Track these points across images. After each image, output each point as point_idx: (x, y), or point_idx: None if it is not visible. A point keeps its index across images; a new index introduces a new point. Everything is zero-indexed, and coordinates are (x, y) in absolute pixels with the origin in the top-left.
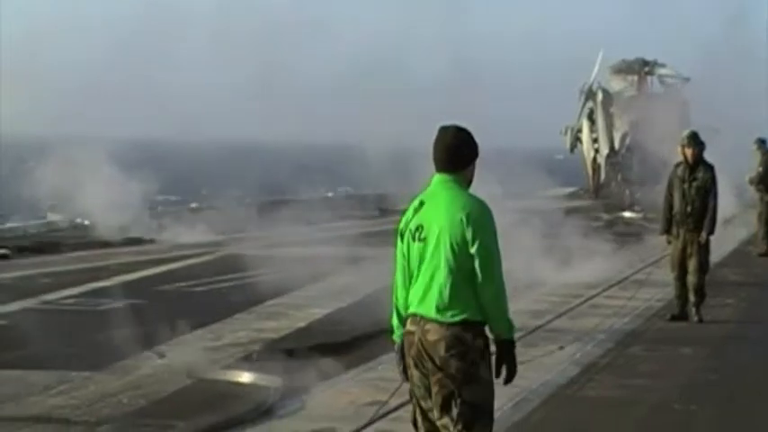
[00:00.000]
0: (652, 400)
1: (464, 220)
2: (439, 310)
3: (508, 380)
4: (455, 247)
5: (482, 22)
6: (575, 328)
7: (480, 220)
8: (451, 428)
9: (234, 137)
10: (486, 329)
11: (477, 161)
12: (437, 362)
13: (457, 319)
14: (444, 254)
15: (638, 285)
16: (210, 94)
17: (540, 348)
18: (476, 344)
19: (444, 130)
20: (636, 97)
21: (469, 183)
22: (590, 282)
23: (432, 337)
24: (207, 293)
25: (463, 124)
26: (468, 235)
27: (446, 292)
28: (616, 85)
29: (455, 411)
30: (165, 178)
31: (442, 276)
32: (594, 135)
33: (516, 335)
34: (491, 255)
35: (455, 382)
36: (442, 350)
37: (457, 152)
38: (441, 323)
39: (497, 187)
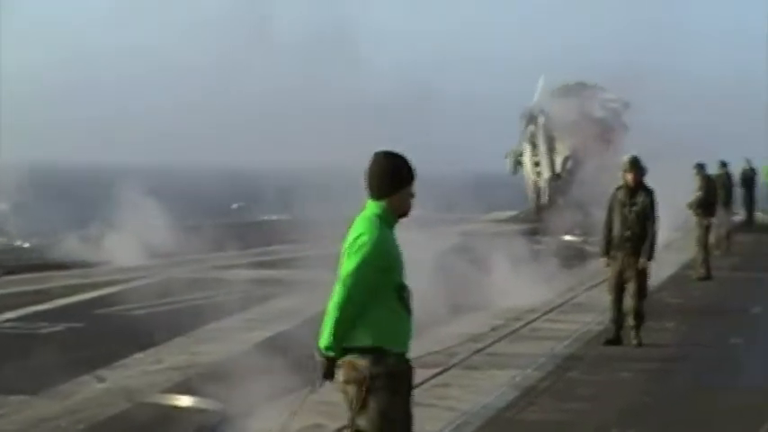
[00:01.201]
0: (590, 424)
1: (348, 246)
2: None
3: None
4: None
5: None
6: (515, 351)
7: (352, 246)
8: None
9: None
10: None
11: (421, 186)
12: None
13: (351, 345)
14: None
15: (578, 309)
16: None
17: (480, 372)
18: (371, 371)
19: (373, 156)
20: (577, 121)
21: (398, 211)
22: (531, 305)
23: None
24: (147, 317)
25: (401, 149)
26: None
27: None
28: (557, 109)
29: None
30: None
31: None
32: (536, 159)
33: (456, 358)
34: (345, 277)
35: (351, 410)
36: (340, 376)
37: (376, 180)
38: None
39: (437, 212)
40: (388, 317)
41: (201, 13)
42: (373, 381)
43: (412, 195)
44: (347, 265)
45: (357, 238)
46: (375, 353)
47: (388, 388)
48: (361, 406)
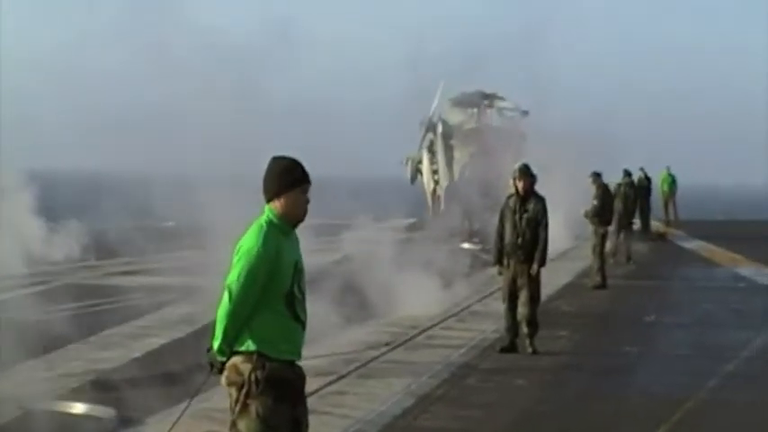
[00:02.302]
0: (485, 431)
1: (236, 252)
2: None
3: None
4: None
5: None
6: (411, 359)
7: (239, 253)
8: None
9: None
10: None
11: (318, 192)
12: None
13: (236, 348)
14: None
15: (474, 317)
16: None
17: (376, 380)
18: (252, 375)
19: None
20: (475, 129)
21: (289, 215)
22: (426, 314)
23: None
24: (41, 323)
25: (296, 154)
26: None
27: None
28: (456, 117)
29: None
30: None
31: None
32: (435, 167)
33: (352, 366)
34: (230, 285)
35: (232, 413)
36: (223, 379)
37: (265, 182)
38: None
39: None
40: (273, 323)
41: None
42: (254, 385)
43: (305, 200)
44: (232, 272)
45: (242, 245)
46: (258, 358)
47: (270, 394)
48: (242, 410)
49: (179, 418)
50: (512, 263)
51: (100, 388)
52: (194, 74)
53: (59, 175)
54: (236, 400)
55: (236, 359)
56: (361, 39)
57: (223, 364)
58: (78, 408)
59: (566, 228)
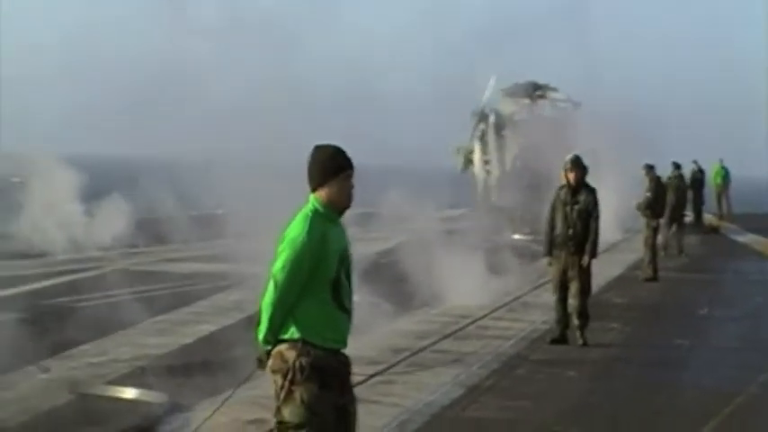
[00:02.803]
0: (534, 422)
1: (281, 241)
2: None
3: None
4: None
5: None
6: (460, 349)
7: (284, 242)
8: None
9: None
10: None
11: (366, 182)
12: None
13: (282, 336)
14: None
15: (525, 308)
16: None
17: (424, 370)
18: (297, 363)
19: None
20: (527, 120)
21: (334, 203)
22: (478, 304)
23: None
24: (94, 308)
25: (345, 142)
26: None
27: None
28: (508, 107)
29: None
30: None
31: None
32: (486, 157)
33: (401, 355)
34: (275, 273)
35: (277, 400)
36: (269, 366)
37: (309, 171)
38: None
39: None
40: (318, 311)
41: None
42: (299, 372)
43: (350, 186)
44: (278, 261)
45: (288, 234)
46: (303, 345)
47: (315, 381)
48: (287, 396)
49: (221, 404)
50: (562, 254)
51: (151, 373)
52: (236, 60)
53: (89, 160)
54: (281, 387)
55: (281, 347)
56: (400, 25)
57: (268, 353)
58: (129, 393)
59: (616, 220)
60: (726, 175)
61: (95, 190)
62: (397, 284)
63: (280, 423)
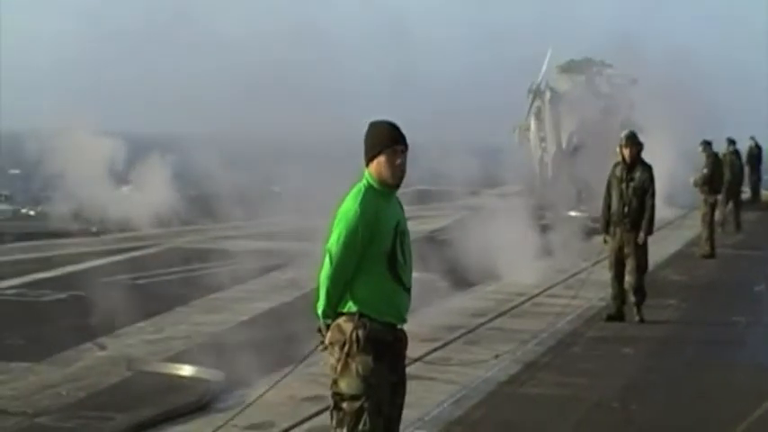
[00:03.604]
0: (592, 399)
1: (336, 216)
2: None
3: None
4: None
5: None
6: (516, 326)
7: (338, 217)
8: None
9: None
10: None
11: (421, 158)
12: None
13: (341, 309)
14: None
15: (580, 285)
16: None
17: (481, 346)
18: (354, 335)
19: None
20: (583, 97)
21: (383, 178)
22: (534, 281)
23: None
24: (150, 286)
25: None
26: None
27: None
28: (564, 84)
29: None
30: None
31: None
32: (542, 134)
33: (458, 332)
34: (330, 248)
35: (334, 372)
36: (327, 339)
37: (364, 147)
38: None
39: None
40: (375, 286)
41: None
42: (355, 344)
43: (399, 161)
44: (333, 235)
45: (341, 208)
46: (360, 317)
47: (370, 353)
48: (343, 368)
49: (282, 378)
50: (618, 231)
51: (207, 351)
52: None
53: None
54: (338, 359)
55: (339, 320)
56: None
57: (328, 326)
58: (186, 370)
59: (670, 197)
60: None
61: (143, 167)
62: (452, 262)
63: (336, 394)
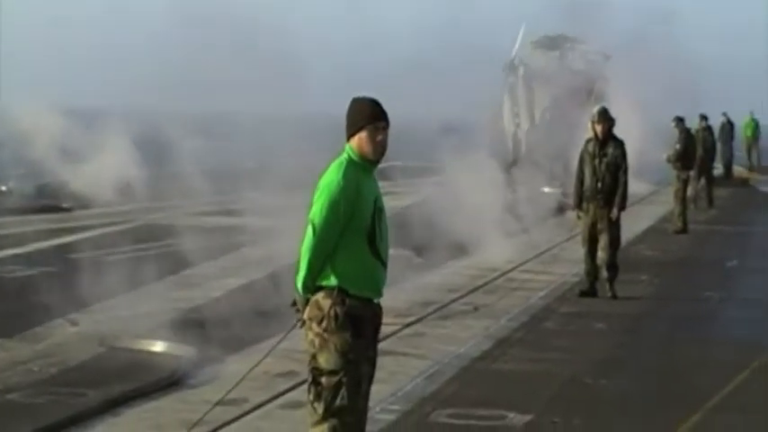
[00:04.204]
0: (564, 375)
1: (317, 189)
2: None
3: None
4: None
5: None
6: (490, 301)
7: (320, 189)
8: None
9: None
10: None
11: (395, 133)
12: None
13: (319, 283)
14: None
15: (554, 261)
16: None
17: (455, 322)
18: (333, 311)
19: None
20: (557, 73)
21: (364, 152)
22: (507, 257)
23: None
24: (122, 262)
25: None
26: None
27: None
28: (538, 59)
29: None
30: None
31: None
32: (516, 109)
33: (431, 308)
34: (313, 218)
35: (312, 347)
36: (305, 314)
37: (345, 123)
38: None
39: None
40: (355, 260)
41: None
42: (333, 320)
43: (379, 137)
44: (315, 207)
45: (323, 180)
46: (339, 293)
47: (348, 329)
48: (321, 344)
49: (264, 357)
50: (591, 207)
51: (179, 327)
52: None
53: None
54: (317, 334)
55: (317, 295)
56: None
57: (307, 301)
58: (158, 346)
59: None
60: (756, 127)
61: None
62: (425, 238)
63: (314, 369)
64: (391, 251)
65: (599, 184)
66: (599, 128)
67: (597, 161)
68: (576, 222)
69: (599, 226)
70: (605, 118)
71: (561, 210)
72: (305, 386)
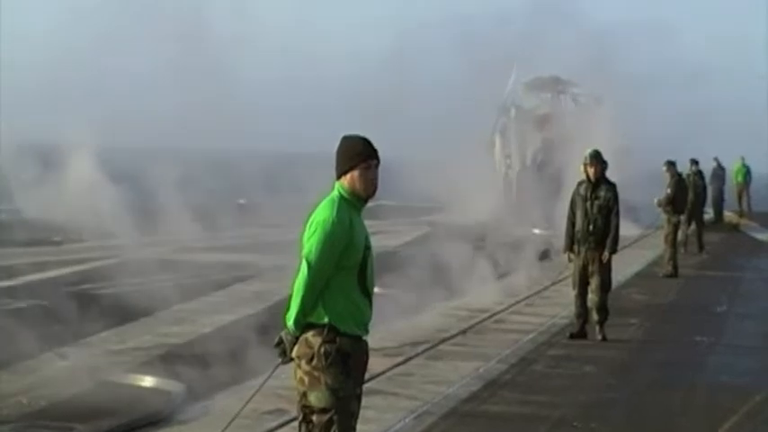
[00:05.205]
0: (553, 417)
1: (309, 225)
2: None
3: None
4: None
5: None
6: (479, 343)
7: (312, 226)
8: None
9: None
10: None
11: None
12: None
13: (308, 321)
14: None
15: (544, 302)
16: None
17: (444, 362)
18: (323, 349)
19: None
20: (549, 115)
21: (356, 191)
22: (496, 298)
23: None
24: (113, 296)
25: (370, 135)
26: (305, 239)
27: None
28: (530, 101)
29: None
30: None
31: None
32: (507, 151)
33: (420, 348)
34: (307, 255)
35: (302, 385)
36: (294, 352)
37: (335, 160)
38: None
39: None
40: (345, 297)
41: None
42: (323, 358)
43: (372, 175)
44: (309, 244)
45: (315, 218)
46: (329, 331)
47: (339, 366)
48: (311, 382)
49: (251, 398)
50: (582, 250)
51: (170, 362)
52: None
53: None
54: (306, 373)
55: (307, 333)
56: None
57: (297, 338)
58: (148, 381)
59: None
60: (747, 173)
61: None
62: (415, 277)
63: (305, 407)
64: (382, 290)
65: (591, 227)
66: (591, 170)
67: (589, 204)
68: (567, 265)
69: (590, 268)
70: (598, 160)
71: (551, 251)
72: (293, 424)
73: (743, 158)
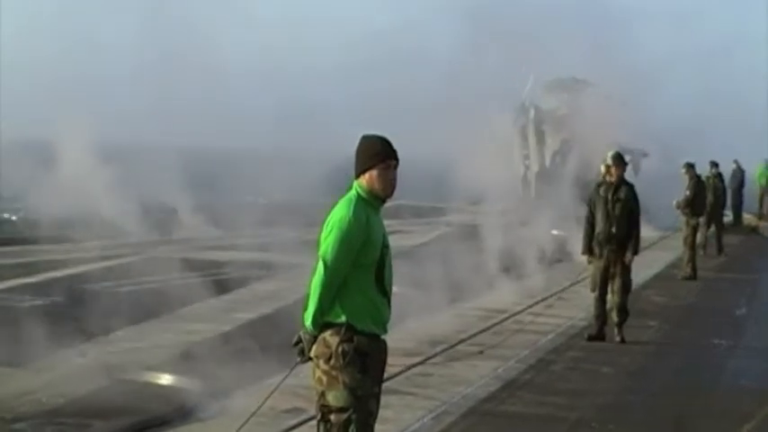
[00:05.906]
0: (571, 418)
1: (326, 225)
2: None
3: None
4: None
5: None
6: (498, 343)
7: (329, 225)
8: None
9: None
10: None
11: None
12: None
13: (326, 320)
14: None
15: (563, 303)
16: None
17: (462, 363)
18: (341, 348)
19: None
20: (568, 115)
21: (375, 190)
22: (515, 298)
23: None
24: (133, 294)
25: (390, 136)
26: (321, 238)
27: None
28: (549, 102)
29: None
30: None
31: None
32: (526, 151)
33: (438, 348)
34: (324, 255)
35: (320, 385)
36: (312, 352)
37: (354, 159)
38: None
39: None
40: (363, 296)
41: None
42: (341, 357)
43: (390, 175)
44: (325, 242)
45: (333, 217)
46: (347, 330)
47: (357, 366)
48: (330, 382)
49: (268, 396)
50: (604, 252)
51: (188, 360)
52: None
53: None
54: (324, 372)
55: (324, 333)
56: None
57: (315, 337)
58: (166, 379)
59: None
60: None
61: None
62: (434, 277)
63: (323, 406)
64: (400, 290)
65: (613, 229)
66: (612, 171)
67: (611, 205)
68: (585, 266)
69: (612, 270)
70: (619, 162)
71: (569, 252)
72: (311, 423)
73: (766, 161)
